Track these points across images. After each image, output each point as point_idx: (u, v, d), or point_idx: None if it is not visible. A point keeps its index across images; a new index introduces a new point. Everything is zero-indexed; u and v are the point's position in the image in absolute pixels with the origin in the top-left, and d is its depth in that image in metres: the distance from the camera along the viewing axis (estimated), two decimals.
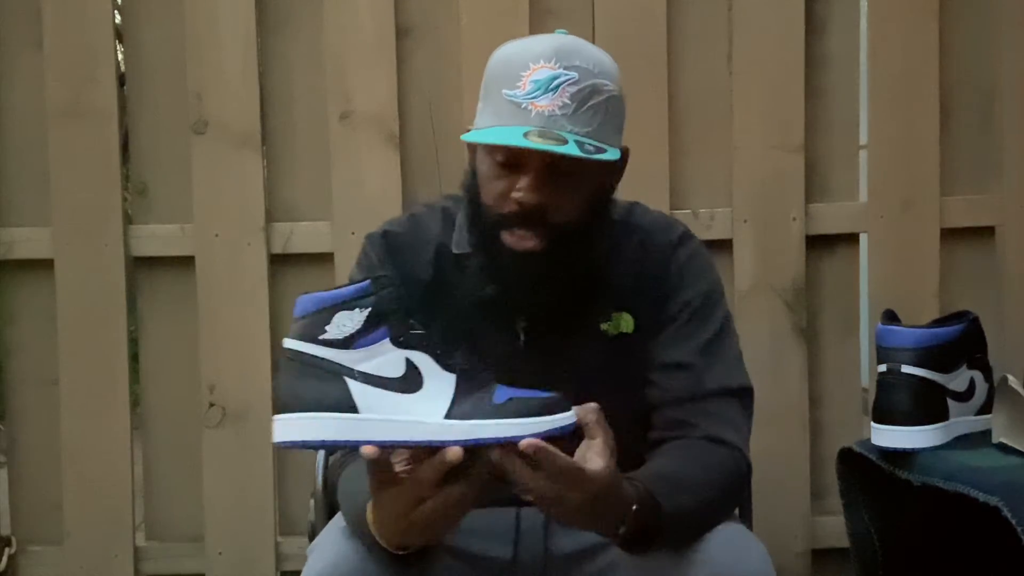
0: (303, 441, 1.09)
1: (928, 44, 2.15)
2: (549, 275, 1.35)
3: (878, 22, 2.18)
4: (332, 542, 1.28)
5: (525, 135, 1.27)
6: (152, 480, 2.20)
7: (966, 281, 2.19)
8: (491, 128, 1.33)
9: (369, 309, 1.09)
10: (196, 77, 2.12)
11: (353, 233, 2.09)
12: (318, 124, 2.14)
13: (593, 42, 2.13)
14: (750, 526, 1.57)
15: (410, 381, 1.10)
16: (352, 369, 1.09)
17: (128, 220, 2.18)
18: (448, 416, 1.09)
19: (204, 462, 2.15)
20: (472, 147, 1.42)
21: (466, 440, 1.08)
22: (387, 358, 1.10)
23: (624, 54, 2.11)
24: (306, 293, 1.12)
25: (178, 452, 2.18)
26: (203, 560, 2.15)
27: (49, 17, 2.11)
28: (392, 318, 1.10)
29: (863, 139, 2.20)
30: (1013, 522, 1.41)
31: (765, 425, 2.07)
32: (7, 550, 2.15)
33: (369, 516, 1.19)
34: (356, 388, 1.08)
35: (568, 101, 1.30)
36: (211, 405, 2.14)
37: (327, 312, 1.10)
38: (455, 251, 1.45)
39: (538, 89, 1.29)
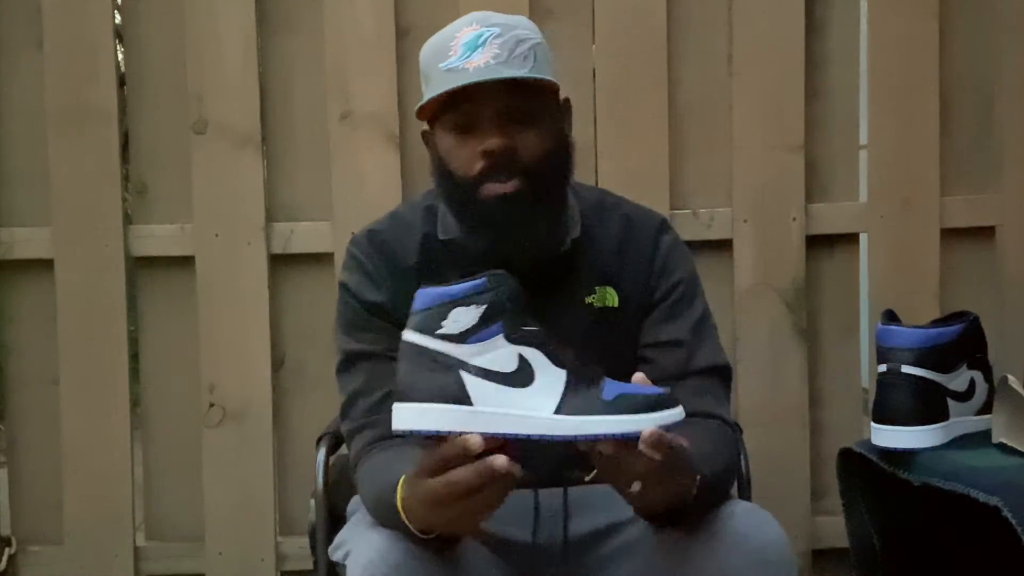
0: (420, 430, 1.13)
1: (928, 44, 2.15)
2: (531, 215, 1.38)
3: (878, 22, 2.18)
4: (369, 538, 1.29)
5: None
6: (152, 480, 2.20)
7: (966, 281, 2.19)
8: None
9: (485, 306, 1.12)
10: (196, 77, 2.12)
11: (353, 233, 2.08)
12: (318, 124, 2.15)
13: (593, 42, 2.16)
14: None
15: (522, 376, 1.13)
16: (467, 363, 1.12)
17: (128, 220, 2.18)
18: (558, 411, 1.12)
19: (204, 462, 2.15)
20: (431, 137, 1.46)
21: (575, 435, 1.11)
22: (500, 353, 1.12)
23: (624, 54, 2.14)
24: (424, 288, 1.15)
25: (178, 452, 2.18)
26: (203, 560, 2.15)
27: (49, 17, 2.11)
28: (506, 315, 1.13)
29: (863, 139, 2.20)
30: (1013, 522, 1.41)
31: (765, 425, 2.09)
32: (7, 550, 2.15)
33: (399, 499, 1.21)
34: (470, 381, 1.12)
35: (498, 51, 1.36)
36: (211, 405, 2.14)
37: (444, 307, 1.12)
38: (441, 237, 1.48)
39: (468, 49, 1.37)
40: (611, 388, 1.14)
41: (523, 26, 1.41)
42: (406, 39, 2.14)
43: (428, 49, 1.43)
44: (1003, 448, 1.62)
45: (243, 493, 2.15)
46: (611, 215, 1.53)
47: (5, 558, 2.14)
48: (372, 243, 1.51)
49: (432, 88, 1.40)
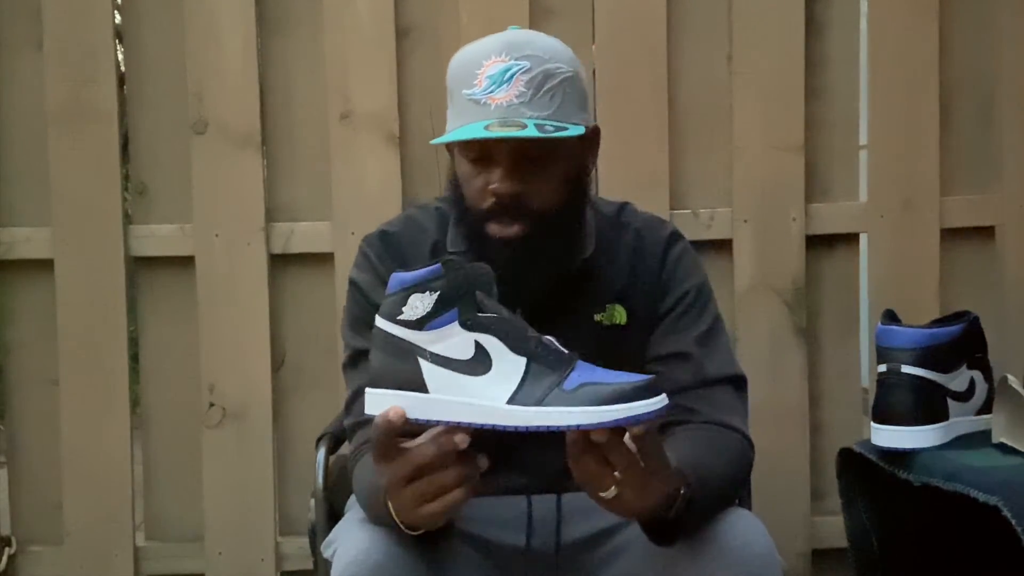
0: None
1: (928, 44, 2.15)
2: (535, 259, 1.38)
3: (878, 22, 2.18)
4: (354, 536, 1.29)
5: (486, 127, 1.32)
6: (152, 480, 2.20)
7: (966, 281, 2.19)
8: (456, 129, 1.37)
9: (439, 292, 1.12)
10: (196, 77, 2.12)
11: (353, 233, 2.09)
12: (318, 124, 2.15)
13: (593, 42, 2.16)
14: None
15: (478, 364, 1.12)
16: (424, 349, 1.12)
17: (128, 220, 2.18)
18: (511, 401, 1.10)
19: (204, 462, 2.15)
20: (452, 153, 1.47)
21: (527, 426, 1.10)
22: (456, 340, 1.12)
23: (624, 54, 2.14)
24: (399, 271, 1.14)
25: (178, 452, 2.18)
26: (203, 560, 2.15)
27: (49, 17, 2.11)
28: (461, 301, 1.12)
29: (863, 139, 2.20)
30: (1013, 522, 1.41)
31: (765, 425, 2.08)
32: (7, 550, 2.15)
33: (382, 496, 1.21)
34: (427, 368, 1.12)
35: (524, 89, 1.34)
36: (211, 405, 2.14)
37: (404, 293, 1.12)
38: (451, 249, 1.48)
39: (493, 83, 1.35)
40: (578, 376, 1.12)
41: (556, 57, 1.38)
42: (406, 39, 2.15)
43: (455, 67, 1.40)
44: (1003, 448, 1.62)
45: (243, 493, 2.15)
46: (624, 231, 1.53)
47: (5, 558, 2.14)
48: (385, 244, 1.50)
49: (453, 113, 1.39)
